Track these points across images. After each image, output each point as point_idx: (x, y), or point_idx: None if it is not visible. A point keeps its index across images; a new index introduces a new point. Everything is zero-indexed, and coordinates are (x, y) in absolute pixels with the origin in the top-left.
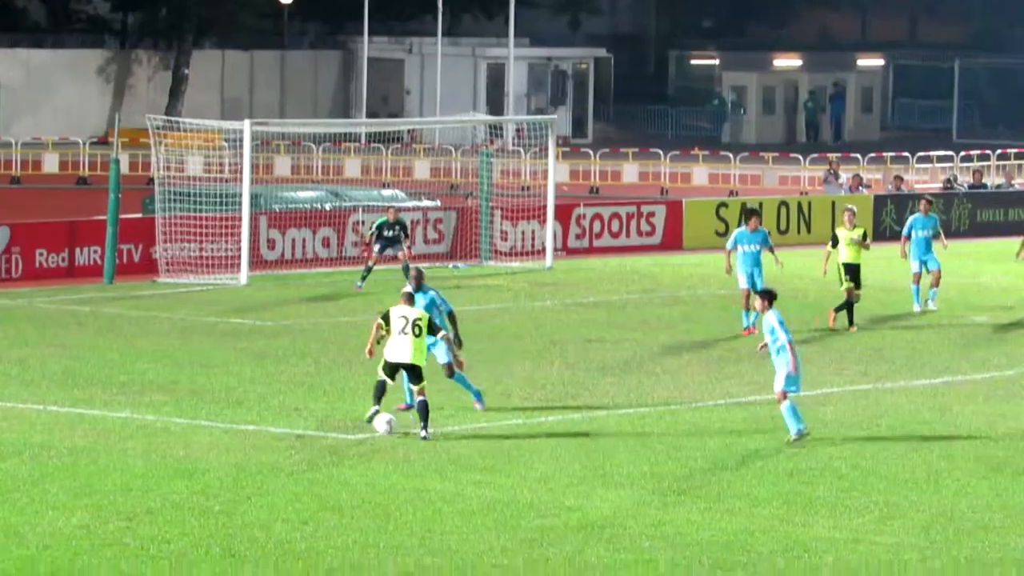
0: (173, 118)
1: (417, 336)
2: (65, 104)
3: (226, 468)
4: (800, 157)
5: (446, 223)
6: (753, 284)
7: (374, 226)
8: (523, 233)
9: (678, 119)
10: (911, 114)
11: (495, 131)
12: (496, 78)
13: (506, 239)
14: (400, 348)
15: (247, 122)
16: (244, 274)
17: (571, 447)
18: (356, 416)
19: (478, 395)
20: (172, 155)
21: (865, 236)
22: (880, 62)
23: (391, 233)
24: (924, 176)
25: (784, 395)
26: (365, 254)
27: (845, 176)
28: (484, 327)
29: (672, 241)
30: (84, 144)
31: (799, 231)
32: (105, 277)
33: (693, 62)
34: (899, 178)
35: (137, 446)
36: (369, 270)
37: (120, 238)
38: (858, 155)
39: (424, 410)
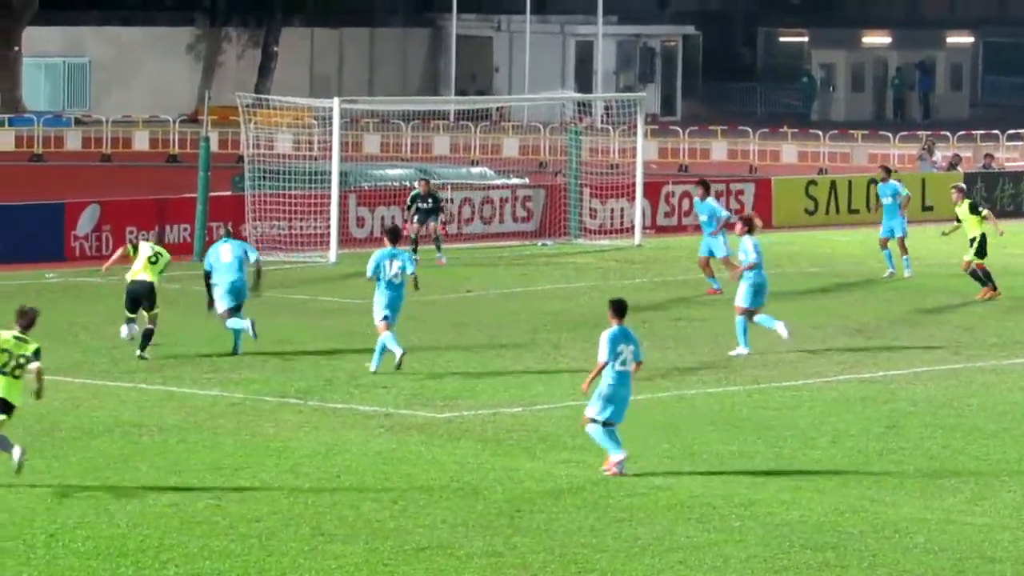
0: (262, 96)
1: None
2: (155, 82)
3: (315, 446)
4: (889, 135)
5: (535, 201)
6: (711, 253)
7: (408, 200)
8: (612, 211)
9: (767, 96)
10: (1001, 91)
11: (583, 109)
12: (584, 55)
13: (595, 217)
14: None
15: (336, 100)
16: (333, 252)
17: (660, 425)
18: (446, 395)
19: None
20: (261, 133)
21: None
22: (969, 39)
23: (425, 205)
24: (1014, 153)
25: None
26: (404, 230)
27: (940, 154)
28: (573, 305)
29: (761, 218)
30: (174, 122)
31: None
32: (195, 255)
33: (782, 39)
34: (990, 155)
35: (227, 424)
36: (415, 242)
37: (209, 216)
38: (947, 133)
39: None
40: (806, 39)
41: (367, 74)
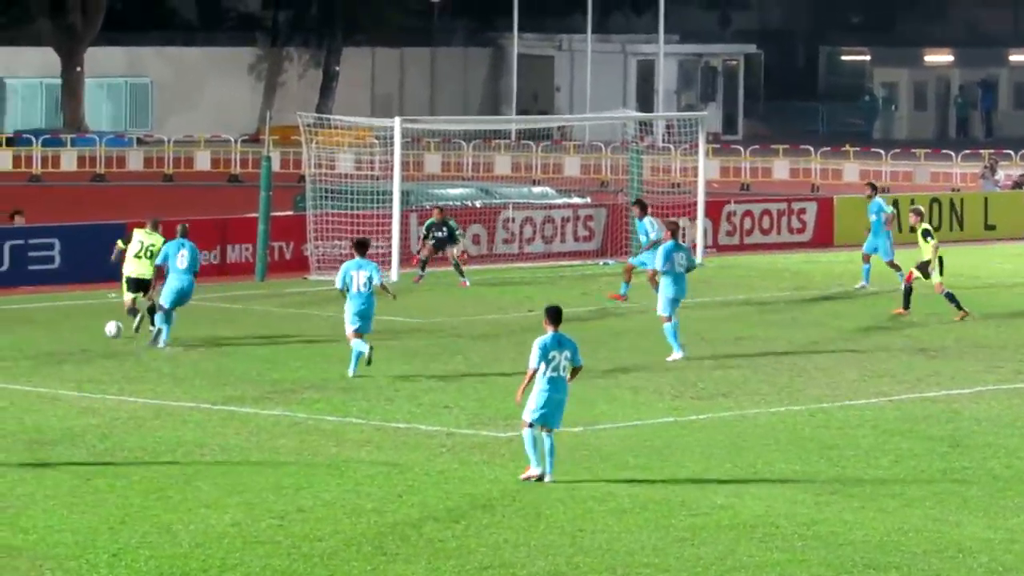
0: (324, 116)
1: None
2: (216, 102)
3: (377, 466)
4: (952, 153)
5: (596, 220)
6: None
7: (423, 228)
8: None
9: (829, 115)
10: None
11: (645, 128)
12: (646, 75)
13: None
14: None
15: (398, 119)
16: (395, 271)
17: (722, 445)
18: (507, 414)
19: None
20: (323, 152)
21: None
22: None
23: (440, 234)
24: None
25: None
26: (421, 251)
27: (1003, 173)
28: (634, 324)
29: (823, 238)
30: (235, 142)
31: (951, 228)
32: (256, 274)
33: (843, 58)
34: None
35: (288, 444)
36: (423, 264)
37: (271, 235)
38: (1011, 151)
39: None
40: (868, 58)
41: (428, 93)
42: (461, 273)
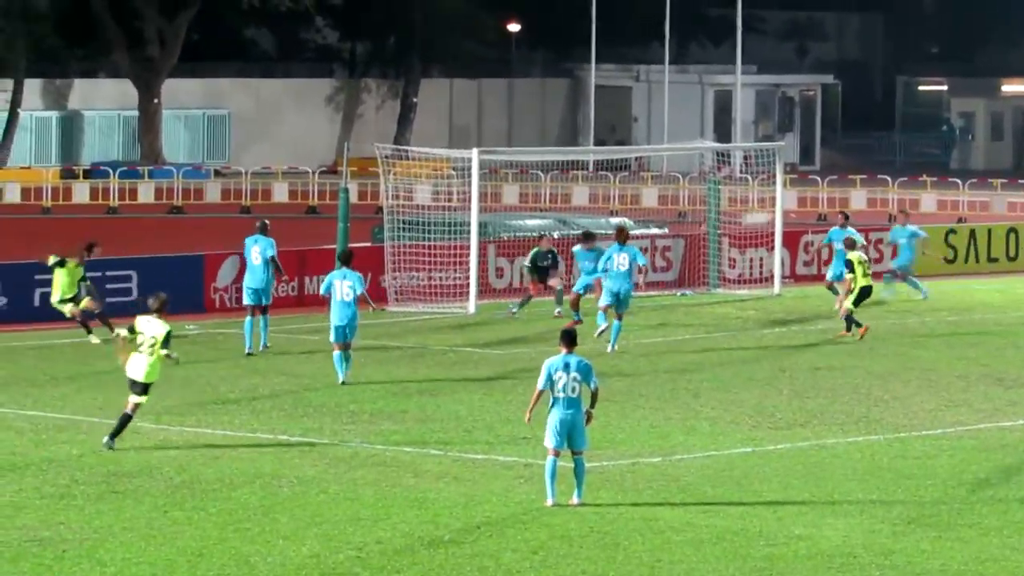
0: (402, 147)
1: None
2: (294, 133)
3: (455, 497)
4: None
5: (674, 251)
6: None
7: (529, 259)
8: (751, 260)
9: (906, 145)
10: None
11: (722, 158)
12: (723, 105)
13: (734, 266)
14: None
15: (475, 150)
16: (472, 303)
17: (800, 475)
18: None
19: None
20: (401, 184)
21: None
22: None
23: (546, 263)
24: None
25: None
26: (532, 289)
27: None
28: (713, 355)
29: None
30: (313, 173)
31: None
32: None
33: (921, 88)
34: None
35: (367, 475)
36: (529, 299)
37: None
38: None
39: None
40: (945, 88)
41: (506, 124)
42: (559, 302)
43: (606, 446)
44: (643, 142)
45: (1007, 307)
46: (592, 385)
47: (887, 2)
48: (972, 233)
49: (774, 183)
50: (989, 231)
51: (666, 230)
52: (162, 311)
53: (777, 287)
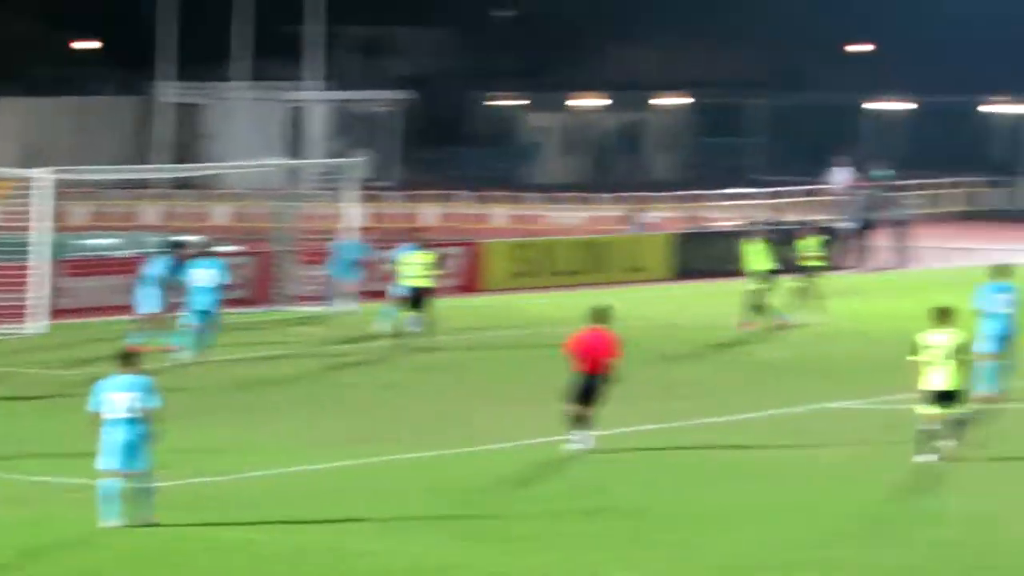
0: None
1: None
2: None
3: (13, 520)
4: (601, 197)
5: (248, 268)
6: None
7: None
8: (324, 277)
9: (481, 160)
10: (711, 152)
11: (297, 175)
12: (298, 121)
13: (306, 284)
14: None
15: (45, 170)
16: (42, 323)
17: (364, 491)
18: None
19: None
20: None
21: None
22: (681, 100)
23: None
24: (728, 213)
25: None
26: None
27: (649, 215)
28: (279, 371)
29: (472, 282)
30: None
31: (598, 270)
32: None
33: (495, 103)
34: (702, 216)
35: None
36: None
37: None
38: (660, 194)
39: None
40: (519, 103)
41: (78, 143)
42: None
43: (168, 465)
44: (217, 159)
45: (575, 321)
46: (151, 404)
47: (462, 19)
48: (547, 247)
49: (350, 199)
50: (563, 245)
51: (240, 247)
52: None
53: (350, 303)
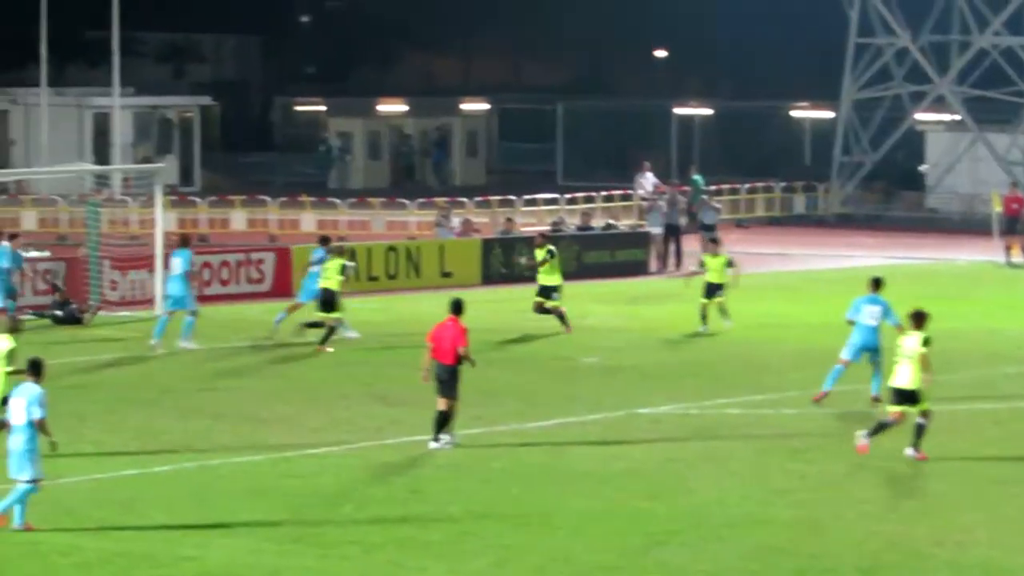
0: None
1: None
2: None
3: None
4: (407, 202)
5: (54, 274)
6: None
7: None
8: (133, 282)
9: (285, 166)
10: (516, 157)
11: (102, 181)
12: (102, 127)
13: (116, 288)
14: None
15: None
16: None
17: (187, 496)
18: None
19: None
20: None
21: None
22: (484, 106)
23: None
24: (531, 219)
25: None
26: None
27: (457, 220)
28: (96, 377)
29: (282, 288)
30: None
31: (408, 276)
32: None
33: (298, 108)
34: (510, 220)
35: None
36: None
37: None
38: (465, 199)
39: None
40: (323, 108)
41: None
42: None
43: None
44: (22, 165)
45: (388, 324)
46: (37, 415)
47: (264, 24)
48: (352, 252)
49: (154, 204)
50: (369, 250)
51: (47, 253)
52: None
53: (158, 308)
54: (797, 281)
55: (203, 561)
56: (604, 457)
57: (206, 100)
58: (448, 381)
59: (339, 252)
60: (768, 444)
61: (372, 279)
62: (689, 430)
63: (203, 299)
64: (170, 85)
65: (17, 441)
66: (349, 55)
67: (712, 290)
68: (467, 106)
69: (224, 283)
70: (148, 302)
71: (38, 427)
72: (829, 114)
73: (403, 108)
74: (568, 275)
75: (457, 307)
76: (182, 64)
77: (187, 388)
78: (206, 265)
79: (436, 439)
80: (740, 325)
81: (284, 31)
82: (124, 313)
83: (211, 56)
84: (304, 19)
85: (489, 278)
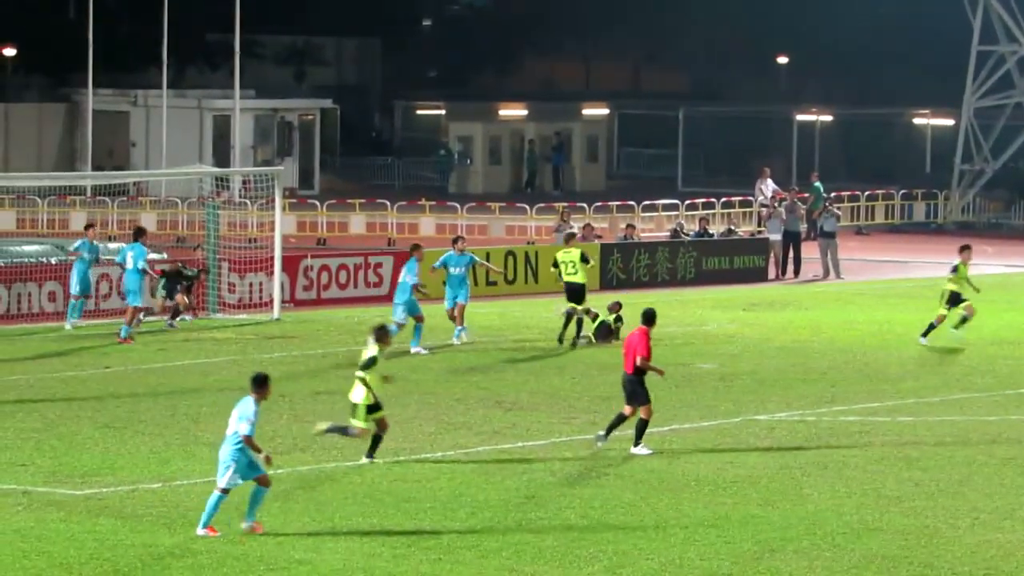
0: None
1: None
2: None
3: None
4: (527, 206)
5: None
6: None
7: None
8: (251, 285)
9: (405, 169)
10: (636, 163)
11: (221, 183)
12: (222, 129)
13: (233, 291)
14: None
15: None
16: None
17: (300, 499)
18: (85, 471)
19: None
20: None
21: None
22: (605, 111)
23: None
24: (650, 224)
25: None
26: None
27: (577, 225)
28: (212, 380)
29: None
30: None
31: (526, 280)
32: None
33: (419, 112)
34: (631, 227)
35: None
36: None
37: None
38: (584, 204)
39: None
40: (443, 112)
41: (2, 150)
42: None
43: (105, 472)
44: (142, 167)
45: (505, 330)
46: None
47: (384, 27)
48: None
49: (273, 207)
50: (488, 255)
51: (165, 255)
52: None
53: (277, 312)
54: (915, 289)
55: (316, 565)
56: (718, 464)
57: (327, 103)
58: (632, 391)
59: (570, 237)
60: (883, 452)
61: (491, 284)
62: (804, 437)
63: (322, 303)
64: (291, 88)
65: (224, 450)
66: (470, 59)
67: (956, 299)
68: (587, 111)
69: (342, 286)
70: (266, 305)
71: (245, 442)
72: (950, 122)
73: (523, 112)
74: (686, 281)
75: (648, 318)
76: (302, 67)
77: (303, 392)
78: (324, 268)
79: (636, 444)
80: (858, 333)
81: (405, 34)
82: (242, 316)
83: (332, 59)
84: (426, 23)
85: (607, 283)
